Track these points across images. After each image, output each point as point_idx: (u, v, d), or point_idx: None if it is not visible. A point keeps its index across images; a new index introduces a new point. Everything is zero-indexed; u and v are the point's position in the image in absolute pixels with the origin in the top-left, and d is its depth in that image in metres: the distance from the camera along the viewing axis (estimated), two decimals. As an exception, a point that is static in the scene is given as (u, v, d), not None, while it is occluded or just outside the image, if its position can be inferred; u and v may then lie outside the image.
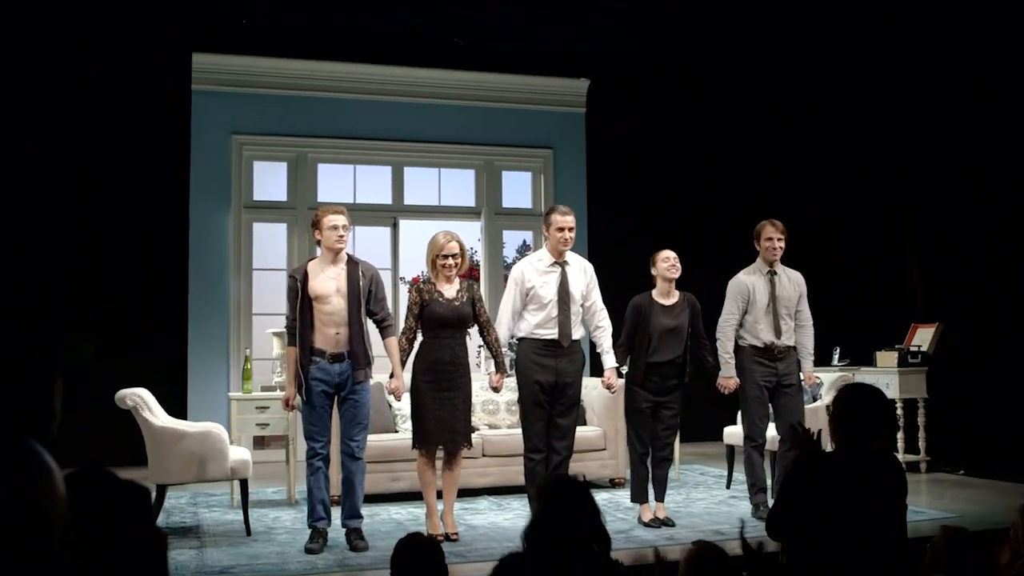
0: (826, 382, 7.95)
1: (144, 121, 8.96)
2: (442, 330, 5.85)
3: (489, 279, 9.92)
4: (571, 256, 6.24)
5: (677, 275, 6.42)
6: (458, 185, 10.25)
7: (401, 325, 6.13)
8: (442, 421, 5.83)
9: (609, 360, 6.29)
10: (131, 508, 1.60)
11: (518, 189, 10.41)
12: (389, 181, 9.93)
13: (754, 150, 10.53)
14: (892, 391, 8.19)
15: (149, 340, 8.83)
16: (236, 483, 6.62)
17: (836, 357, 8.82)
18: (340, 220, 5.72)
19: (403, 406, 7.33)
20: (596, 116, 10.39)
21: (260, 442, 9.32)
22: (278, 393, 7.20)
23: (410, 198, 9.97)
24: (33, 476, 1.23)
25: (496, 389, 6.10)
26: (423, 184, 10.13)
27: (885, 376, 8.31)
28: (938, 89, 8.85)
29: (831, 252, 9.84)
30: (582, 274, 6.22)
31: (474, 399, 6.63)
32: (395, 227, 9.82)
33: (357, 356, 5.66)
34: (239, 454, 6.24)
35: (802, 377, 6.64)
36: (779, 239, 6.54)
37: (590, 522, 2.79)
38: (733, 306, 6.54)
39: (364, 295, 5.73)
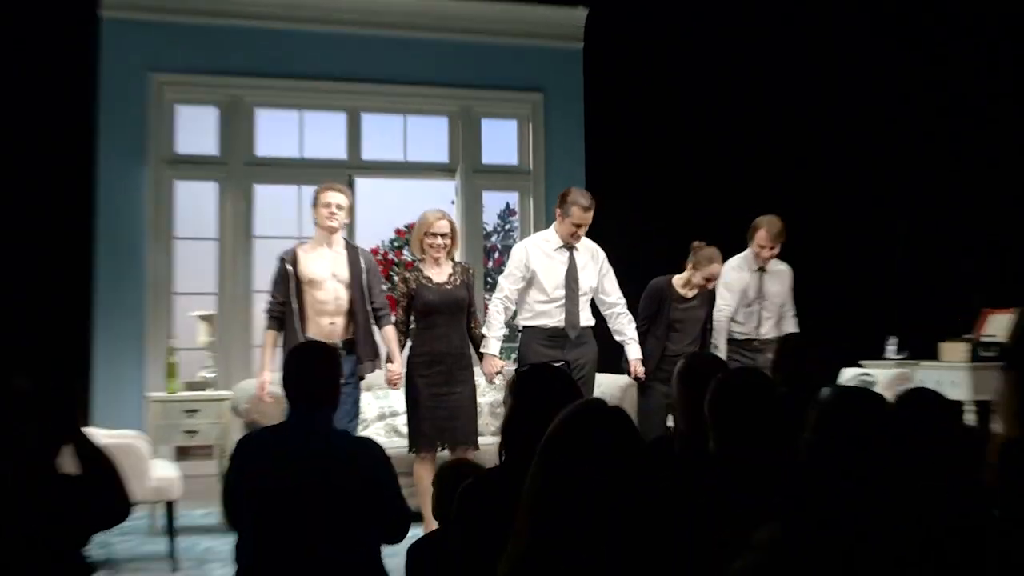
0: (880, 381, 7.82)
1: (41, 55, 8.71)
2: (435, 317, 6.33)
3: (466, 250, 9.78)
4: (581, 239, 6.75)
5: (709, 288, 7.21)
6: (428, 136, 10.11)
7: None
8: (440, 420, 6.26)
9: (634, 349, 6.84)
10: None
11: (501, 141, 10.28)
12: (343, 131, 9.78)
13: (785, 94, 10.38)
14: (960, 390, 8.07)
15: (45, 325, 8.58)
16: (160, 504, 6.52)
17: (892, 350, 8.70)
18: (335, 198, 6.32)
19: (393, 404, 7.76)
20: (596, 52, 10.24)
21: (183, 452, 9.20)
22: (209, 393, 7.31)
23: (369, 152, 9.83)
24: None
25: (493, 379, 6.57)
26: (385, 135, 9.99)
27: (951, 372, 8.21)
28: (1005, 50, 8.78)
29: (883, 222, 9.73)
30: (592, 262, 6.75)
31: (480, 398, 6.99)
32: (350, 187, 9.58)
33: (363, 347, 6.23)
34: (164, 470, 6.21)
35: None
36: (771, 249, 7.40)
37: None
38: (730, 297, 7.39)
39: (365, 281, 6.30)
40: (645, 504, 2.27)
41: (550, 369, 3.47)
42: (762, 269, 7.46)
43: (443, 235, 6.41)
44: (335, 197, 6.33)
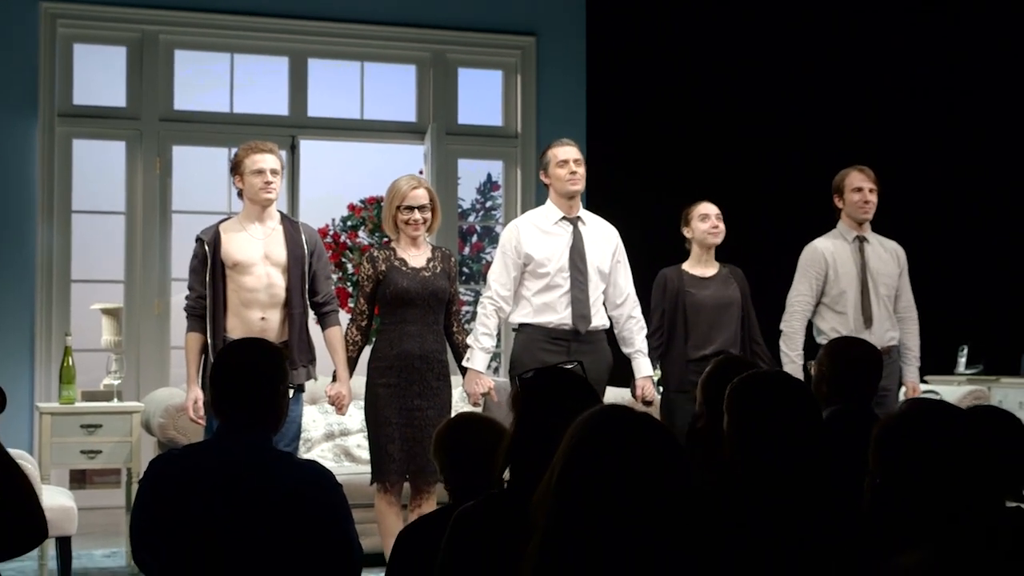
0: (949, 400, 7.88)
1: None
2: (406, 310, 6.21)
3: (437, 232, 9.78)
4: (589, 215, 6.73)
5: (719, 240, 6.95)
6: (390, 89, 10.17)
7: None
8: (409, 442, 6.12)
9: (643, 365, 6.69)
10: None
11: (482, 97, 10.32)
12: (285, 81, 9.81)
13: (839, 46, 10.41)
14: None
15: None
16: (50, 543, 6.48)
17: (963, 362, 8.75)
18: (269, 162, 6.13)
19: (344, 420, 7.69)
20: (602, -14, 10.27)
21: (81, 478, 9.18)
22: (114, 404, 7.22)
23: (317, 108, 9.87)
24: None
25: (479, 400, 6.46)
26: (337, 87, 10.03)
27: (1039, 391, 8.28)
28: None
29: (952, 211, 9.79)
30: (604, 240, 6.63)
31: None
32: (294, 150, 9.70)
33: (295, 350, 6.02)
34: (57, 499, 6.14)
35: (902, 391, 6.99)
36: (870, 190, 6.92)
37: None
38: (805, 284, 6.92)
39: (307, 266, 6.18)
40: (689, 535, 2.37)
41: (561, 372, 3.44)
42: (862, 239, 6.97)
43: (420, 207, 6.27)
44: (269, 161, 6.14)
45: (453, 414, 6.14)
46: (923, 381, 8.28)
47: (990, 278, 9.62)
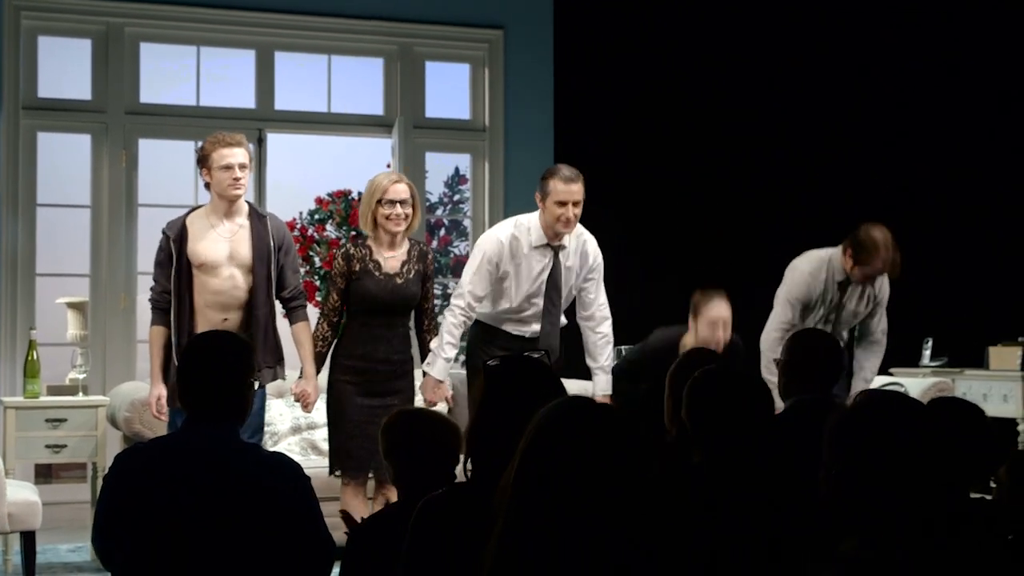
0: (914, 391, 7.91)
1: None
2: (374, 316, 6.17)
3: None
4: (574, 233, 6.49)
5: (721, 348, 6.50)
6: (358, 82, 10.13)
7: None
8: (372, 440, 5.90)
9: (603, 382, 6.64)
10: None
11: (450, 90, 10.28)
12: (252, 74, 9.78)
13: (825, 44, 10.42)
14: (1013, 405, 8.19)
15: None
16: (15, 537, 6.50)
17: (928, 355, 8.78)
18: (237, 156, 6.00)
19: (311, 414, 7.54)
20: (569, -20, 10.23)
21: (46, 472, 9.20)
22: (79, 398, 7.20)
23: (284, 101, 9.83)
24: None
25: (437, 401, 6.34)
26: (304, 80, 10.00)
27: (1002, 384, 8.32)
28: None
29: (918, 205, 9.82)
30: (581, 265, 6.52)
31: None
32: (261, 144, 9.66)
33: (260, 351, 5.89)
34: (21, 493, 6.12)
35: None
36: (881, 271, 6.69)
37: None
38: (789, 311, 6.79)
39: (274, 263, 6.04)
40: (650, 518, 2.43)
41: (527, 361, 3.44)
42: (848, 281, 6.79)
43: (402, 201, 6.12)
44: (237, 155, 6.01)
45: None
46: (888, 373, 8.34)
47: (955, 271, 9.64)
